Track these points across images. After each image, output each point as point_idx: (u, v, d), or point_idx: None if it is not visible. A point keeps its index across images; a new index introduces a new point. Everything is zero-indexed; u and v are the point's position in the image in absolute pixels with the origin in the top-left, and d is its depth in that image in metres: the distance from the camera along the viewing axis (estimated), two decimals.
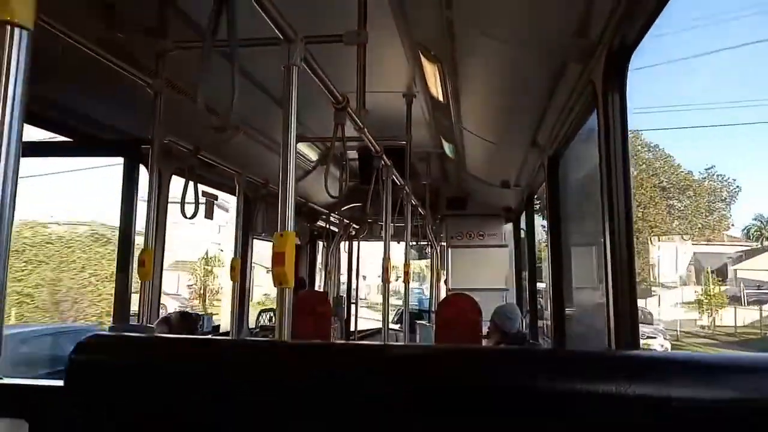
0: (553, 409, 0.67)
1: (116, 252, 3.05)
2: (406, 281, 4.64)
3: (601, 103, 2.29)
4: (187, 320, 3.87)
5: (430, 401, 0.68)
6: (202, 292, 25.69)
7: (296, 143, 1.83)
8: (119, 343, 0.82)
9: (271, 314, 6.12)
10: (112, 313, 3.08)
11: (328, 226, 7.12)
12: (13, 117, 0.79)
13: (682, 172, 39.02)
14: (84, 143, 3.20)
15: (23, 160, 0.86)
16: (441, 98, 4.02)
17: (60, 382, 0.73)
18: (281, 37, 1.84)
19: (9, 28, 0.78)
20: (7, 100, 0.79)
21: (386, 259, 3.88)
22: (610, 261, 2.15)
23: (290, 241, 1.62)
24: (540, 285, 6.51)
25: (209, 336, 4.52)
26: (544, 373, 0.68)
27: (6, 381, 0.76)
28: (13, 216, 0.80)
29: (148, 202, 2.93)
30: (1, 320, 0.75)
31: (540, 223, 6.34)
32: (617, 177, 2.16)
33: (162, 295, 3.94)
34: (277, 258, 1.59)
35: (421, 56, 3.56)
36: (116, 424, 0.73)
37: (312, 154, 5.69)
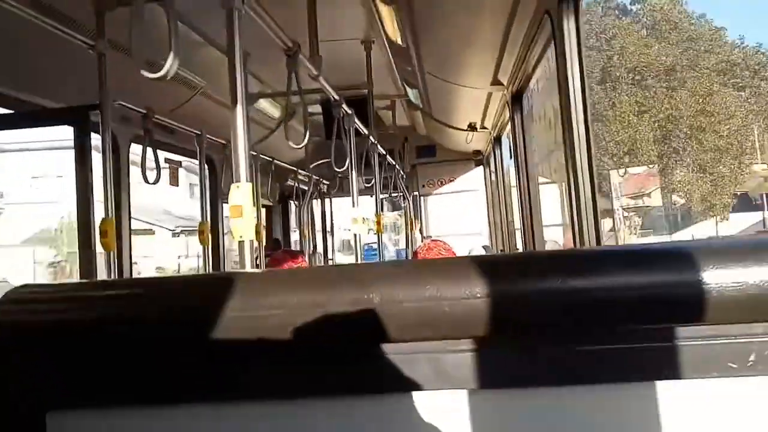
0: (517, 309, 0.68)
1: (76, 229, 2.96)
2: (379, 232, 4.64)
3: (558, 34, 2.26)
4: None
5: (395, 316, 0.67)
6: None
7: (252, 97, 1.77)
8: (45, 290, 0.79)
9: None
10: None
11: (297, 184, 7.04)
12: None
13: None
14: (29, 114, 3.07)
15: None
16: (400, 42, 3.93)
17: None
18: None
19: None
20: None
21: (355, 212, 3.86)
22: (573, 191, 2.16)
23: (247, 191, 1.58)
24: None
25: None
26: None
27: None
28: None
29: (104, 170, 2.84)
30: None
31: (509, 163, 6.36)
32: (576, 104, 2.15)
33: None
34: (235, 211, 1.55)
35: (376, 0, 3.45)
36: (58, 371, 0.71)
37: (275, 112, 5.56)
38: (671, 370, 0.67)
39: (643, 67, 27.57)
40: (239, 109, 1.64)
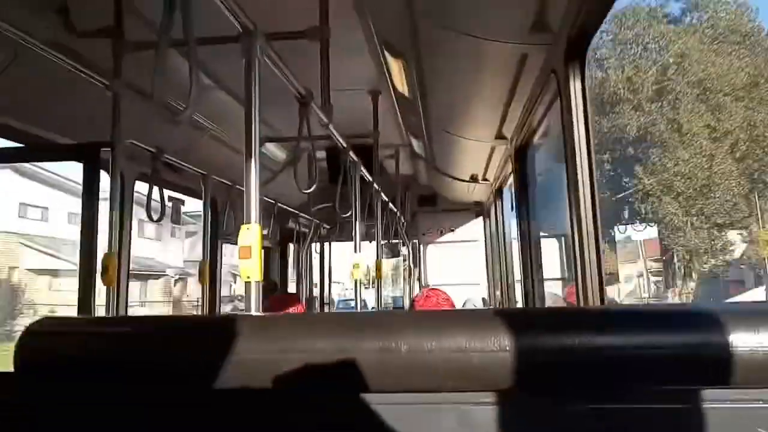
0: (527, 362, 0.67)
1: (78, 262, 2.96)
2: (378, 277, 4.63)
3: (563, 92, 2.32)
4: None
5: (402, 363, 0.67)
6: None
7: (261, 141, 1.80)
8: (69, 326, 0.79)
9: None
10: None
11: (298, 227, 7.07)
12: None
13: None
14: (42, 149, 3.11)
15: None
16: (407, 94, 4.03)
17: (10, 368, 0.70)
18: (241, 30, 1.82)
19: None
20: None
21: (357, 257, 3.87)
22: (578, 250, 2.17)
23: (256, 233, 1.60)
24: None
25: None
26: (523, 329, 0.68)
27: None
28: None
29: (111, 207, 2.87)
30: None
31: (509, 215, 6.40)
32: (582, 162, 2.19)
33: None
34: (244, 251, 1.57)
35: (385, 52, 3.56)
36: (68, 407, 0.71)
37: (281, 154, 5.64)
38: None
39: (713, 81, 22.36)
40: (253, 154, 1.68)
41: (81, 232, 2.84)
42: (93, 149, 2.91)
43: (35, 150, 3.12)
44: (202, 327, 0.75)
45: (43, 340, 0.73)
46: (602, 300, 2.04)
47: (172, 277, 24.94)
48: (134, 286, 22.16)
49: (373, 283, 5.73)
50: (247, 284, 1.60)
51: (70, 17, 2.68)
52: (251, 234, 1.59)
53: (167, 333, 0.74)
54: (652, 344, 0.67)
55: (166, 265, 24.33)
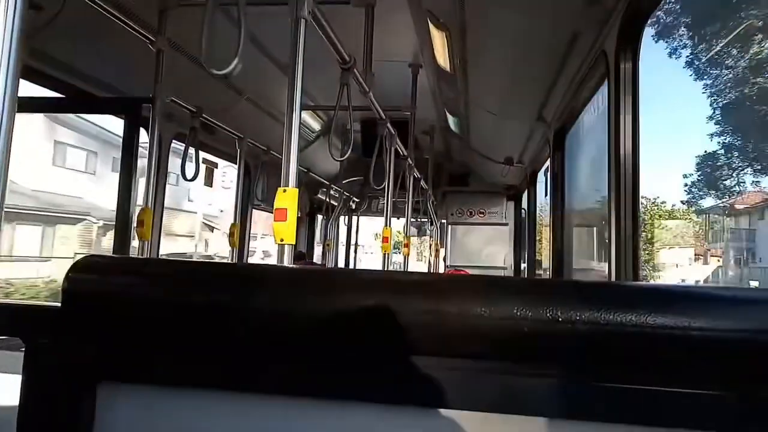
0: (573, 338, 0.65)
1: (115, 217, 3.02)
2: (406, 254, 4.62)
3: (613, 74, 2.25)
4: None
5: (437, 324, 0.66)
6: None
7: (301, 105, 1.79)
8: (115, 263, 0.79)
9: None
10: None
11: (328, 199, 7.09)
12: (9, 69, 0.76)
13: None
14: (83, 101, 3.15)
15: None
16: (448, 69, 3.96)
17: (58, 303, 0.71)
18: None
19: None
20: (2, 52, 0.76)
21: (386, 228, 3.86)
22: (615, 238, 2.13)
23: (292, 196, 1.59)
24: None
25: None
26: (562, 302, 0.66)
27: (1, 301, 0.74)
28: (7, 173, 0.79)
29: (149, 162, 2.90)
30: None
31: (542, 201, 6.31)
32: (626, 150, 2.13)
33: None
34: (279, 213, 1.57)
35: (429, 24, 3.49)
36: (116, 347, 0.72)
37: (315, 125, 5.63)
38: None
39: None
40: (295, 117, 1.67)
41: (119, 185, 2.88)
42: (134, 104, 2.93)
43: (77, 101, 3.16)
44: (251, 275, 0.74)
45: (90, 276, 0.74)
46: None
47: (95, 222, 17.85)
48: (32, 232, 15.92)
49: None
50: (281, 247, 1.60)
51: None
52: (287, 197, 1.59)
53: (215, 277, 0.74)
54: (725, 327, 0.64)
55: (93, 206, 17.65)
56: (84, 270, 0.73)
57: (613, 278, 2.12)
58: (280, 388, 0.70)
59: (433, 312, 0.65)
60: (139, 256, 2.63)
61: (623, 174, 2.12)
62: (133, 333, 0.72)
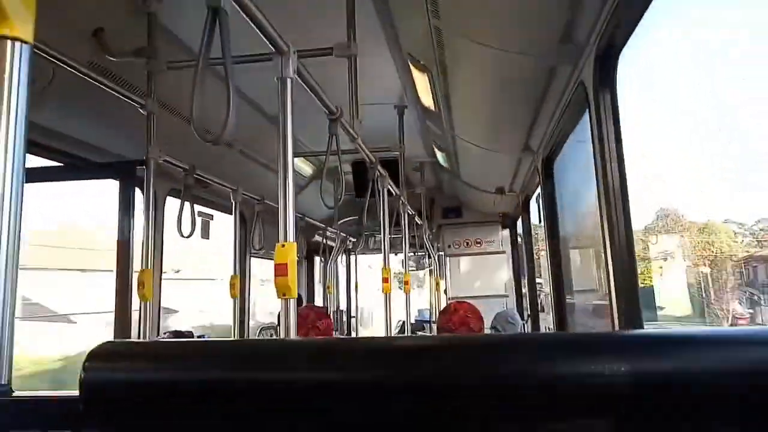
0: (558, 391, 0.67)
1: (114, 274, 3.04)
2: (407, 291, 4.63)
3: (593, 105, 2.31)
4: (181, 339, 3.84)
5: (436, 390, 0.68)
6: None
7: (293, 157, 1.83)
8: (133, 349, 0.81)
9: (272, 332, 6.09)
10: (113, 335, 3.06)
11: (324, 240, 7.12)
12: (17, 131, 0.80)
13: None
14: (78, 167, 3.20)
15: None
16: (432, 107, 4.05)
17: (75, 392, 0.72)
18: (273, 50, 1.86)
19: (9, 43, 0.78)
20: (10, 114, 0.79)
21: (386, 269, 3.87)
22: (611, 261, 2.15)
23: (291, 251, 1.62)
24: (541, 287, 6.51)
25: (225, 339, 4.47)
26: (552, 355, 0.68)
27: (20, 394, 0.75)
28: (20, 234, 0.81)
29: (146, 222, 2.93)
30: (11, 335, 0.75)
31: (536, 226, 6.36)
32: (613, 176, 2.17)
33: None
34: (279, 269, 1.59)
35: (411, 66, 3.59)
36: (134, 430, 0.73)
37: (307, 169, 5.70)
38: None
39: None
40: (288, 171, 1.71)
41: (117, 248, 2.91)
42: (128, 167, 2.98)
43: (72, 169, 3.20)
44: (276, 351, 0.76)
45: (107, 364, 0.75)
46: (639, 321, 2.01)
47: None
48: None
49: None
50: (285, 302, 1.62)
51: (105, 39, 2.76)
52: (286, 252, 1.62)
53: (236, 356, 0.76)
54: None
55: None
56: (100, 358, 0.74)
57: (613, 300, 2.13)
58: None
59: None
60: (154, 340, 2.63)
61: (613, 199, 2.16)
62: (153, 418, 0.73)
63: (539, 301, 5.63)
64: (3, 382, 0.74)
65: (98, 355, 0.75)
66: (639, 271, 2.33)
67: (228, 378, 0.72)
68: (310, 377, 0.70)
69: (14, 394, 0.75)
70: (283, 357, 0.74)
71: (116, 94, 2.72)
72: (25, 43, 0.80)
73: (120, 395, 0.73)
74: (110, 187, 3.17)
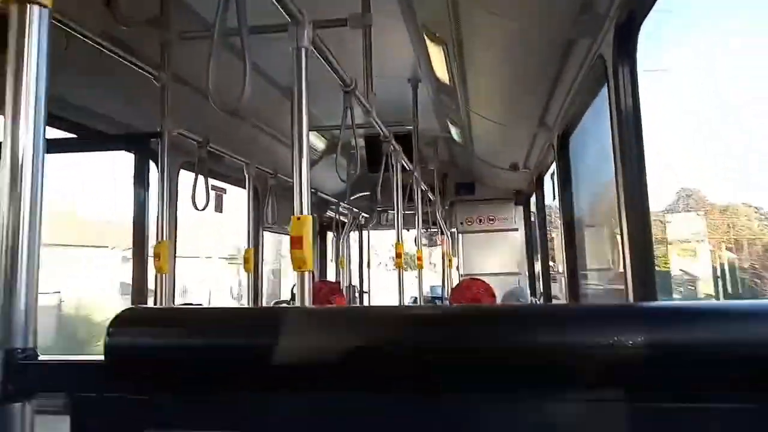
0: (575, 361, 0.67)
1: (132, 246, 3.06)
2: (420, 267, 4.64)
3: (612, 78, 2.26)
4: None
5: (450, 356, 0.68)
6: None
7: (308, 130, 1.82)
8: (156, 314, 0.82)
9: (286, 305, 6.15)
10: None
11: (337, 216, 7.12)
12: (38, 96, 0.79)
13: None
14: (92, 139, 3.20)
15: None
16: (447, 81, 3.99)
17: (101, 357, 0.73)
18: (289, 20, 1.83)
19: (29, 6, 0.78)
20: (30, 80, 0.78)
21: (399, 244, 3.87)
22: (627, 238, 2.13)
23: (307, 224, 1.62)
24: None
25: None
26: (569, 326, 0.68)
27: (45, 358, 0.76)
28: (41, 208, 0.81)
29: (160, 196, 2.94)
30: (35, 302, 0.76)
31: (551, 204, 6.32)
32: (631, 151, 2.14)
33: None
34: (295, 242, 1.59)
35: (426, 39, 3.53)
36: (160, 396, 0.74)
37: (319, 144, 5.68)
38: None
39: None
40: (303, 144, 1.70)
41: (133, 220, 2.93)
42: (142, 139, 2.98)
43: (86, 140, 3.21)
44: (292, 318, 0.76)
45: (131, 329, 0.76)
46: (653, 298, 2.00)
47: None
48: None
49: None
50: (300, 274, 1.62)
51: (118, 8, 2.74)
52: (302, 224, 1.62)
53: (257, 321, 0.76)
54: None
55: None
56: (124, 323, 0.75)
57: (629, 277, 2.12)
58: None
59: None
60: (176, 306, 2.66)
61: (630, 175, 2.13)
62: (176, 382, 0.74)
63: (552, 279, 5.62)
64: (29, 346, 0.75)
65: (122, 320, 0.76)
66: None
67: (250, 343, 0.72)
68: (330, 343, 0.71)
69: (39, 358, 0.76)
70: (304, 323, 0.74)
71: (130, 64, 2.71)
72: (44, 6, 0.79)
73: (143, 359, 0.74)
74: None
